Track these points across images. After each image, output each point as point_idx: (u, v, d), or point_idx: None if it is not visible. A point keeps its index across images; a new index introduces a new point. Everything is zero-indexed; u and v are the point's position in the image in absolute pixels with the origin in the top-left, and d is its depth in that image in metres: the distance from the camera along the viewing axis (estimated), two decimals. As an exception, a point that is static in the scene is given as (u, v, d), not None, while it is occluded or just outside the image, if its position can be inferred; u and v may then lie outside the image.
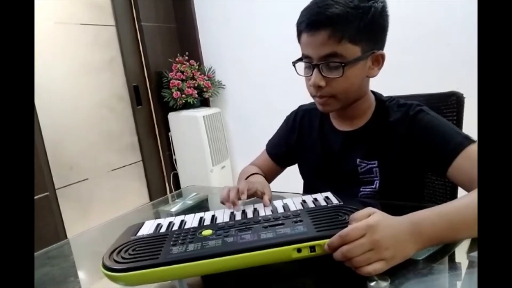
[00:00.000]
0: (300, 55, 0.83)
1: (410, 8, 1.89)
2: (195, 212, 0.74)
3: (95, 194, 2.30)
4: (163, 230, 0.66)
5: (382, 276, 0.51)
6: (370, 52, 0.79)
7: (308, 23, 0.77)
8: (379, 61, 0.81)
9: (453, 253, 0.60)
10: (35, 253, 0.81)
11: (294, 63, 0.84)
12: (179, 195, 1.15)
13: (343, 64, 0.75)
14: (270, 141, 1.10)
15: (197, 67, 2.64)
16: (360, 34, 0.75)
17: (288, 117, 1.06)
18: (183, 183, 2.71)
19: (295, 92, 1.33)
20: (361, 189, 0.87)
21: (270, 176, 1.07)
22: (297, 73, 0.85)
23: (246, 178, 0.98)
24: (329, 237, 0.53)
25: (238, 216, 0.68)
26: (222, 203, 0.79)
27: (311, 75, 0.79)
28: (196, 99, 2.56)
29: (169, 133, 2.68)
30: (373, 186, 0.86)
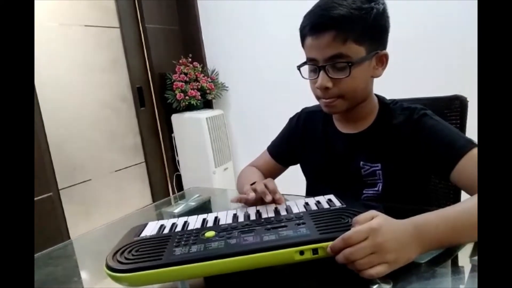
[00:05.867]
0: (304, 59, 0.83)
1: (414, 10, 1.89)
2: (197, 214, 0.74)
3: (98, 195, 2.30)
4: (166, 231, 0.67)
5: (385, 279, 0.51)
6: (374, 52, 0.79)
7: (312, 26, 0.77)
8: (383, 61, 0.82)
9: (456, 257, 0.60)
10: (38, 254, 0.81)
11: (299, 67, 0.85)
12: (182, 197, 1.16)
13: (349, 64, 0.76)
14: (272, 142, 1.10)
15: (200, 69, 2.64)
16: (364, 34, 0.76)
17: (291, 119, 1.06)
18: (185, 184, 2.71)
19: (298, 94, 1.33)
20: (364, 192, 0.87)
21: (272, 176, 1.06)
22: (302, 77, 0.85)
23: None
24: (331, 239, 0.53)
25: (241, 218, 0.68)
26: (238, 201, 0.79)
27: (317, 77, 0.79)
28: (199, 101, 2.57)
29: (172, 135, 2.69)
30: (376, 189, 0.86)
